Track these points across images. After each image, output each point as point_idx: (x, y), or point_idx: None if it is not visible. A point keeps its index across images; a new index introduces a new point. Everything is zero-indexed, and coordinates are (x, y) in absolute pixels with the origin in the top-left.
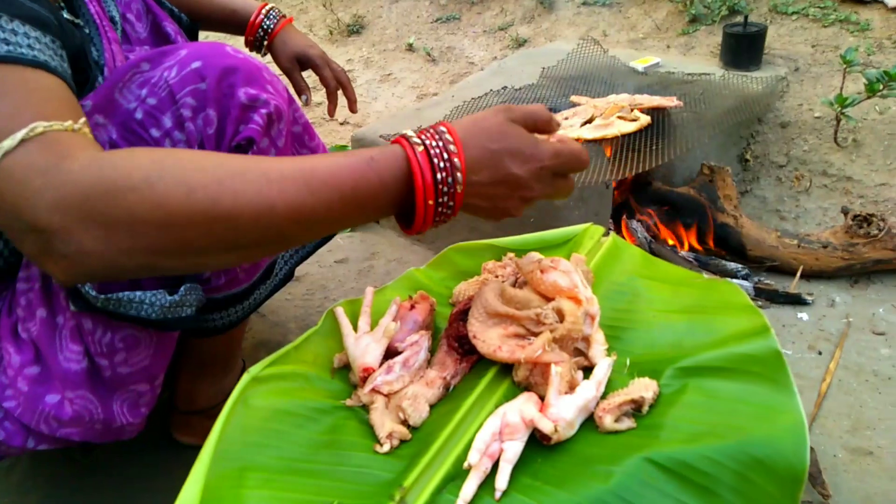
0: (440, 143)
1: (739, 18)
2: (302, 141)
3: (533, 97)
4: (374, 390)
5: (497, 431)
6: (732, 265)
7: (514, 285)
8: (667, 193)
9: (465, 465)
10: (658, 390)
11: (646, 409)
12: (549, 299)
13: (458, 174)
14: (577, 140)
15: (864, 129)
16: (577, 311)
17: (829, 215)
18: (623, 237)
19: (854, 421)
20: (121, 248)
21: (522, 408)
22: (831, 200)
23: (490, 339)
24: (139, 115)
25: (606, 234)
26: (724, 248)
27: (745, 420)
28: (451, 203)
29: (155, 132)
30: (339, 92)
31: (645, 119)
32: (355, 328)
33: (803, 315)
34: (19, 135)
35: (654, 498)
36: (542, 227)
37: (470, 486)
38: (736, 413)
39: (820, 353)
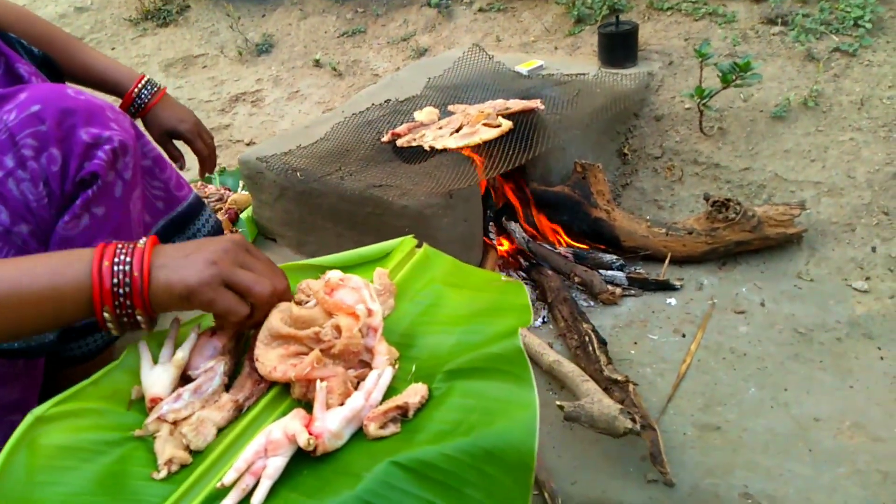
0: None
1: None
2: (153, 173)
3: (415, 108)
4: (160, 419)
5: (262, 449)
6: (609, 257)
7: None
8: (543, 193)
9: (219, 484)
10: (427, 394)
11: (411, 413)
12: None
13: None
14: (443, 149)
15: (730, 118)
16: (353, 326)
17: (700, 203)
18: (502, 238)
19: (707, 398)
20: None
21: (287, 424)
22: (702, 188)
23: (268, 360)
24: None
25: (419, 245)
26: (600, 242)
27: (483, 416)
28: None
29: None
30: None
31: (507, 124)
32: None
33: (672, 300)
34: None
35: (399, 499)
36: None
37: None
38: (477, 410)
39: (684, 336)
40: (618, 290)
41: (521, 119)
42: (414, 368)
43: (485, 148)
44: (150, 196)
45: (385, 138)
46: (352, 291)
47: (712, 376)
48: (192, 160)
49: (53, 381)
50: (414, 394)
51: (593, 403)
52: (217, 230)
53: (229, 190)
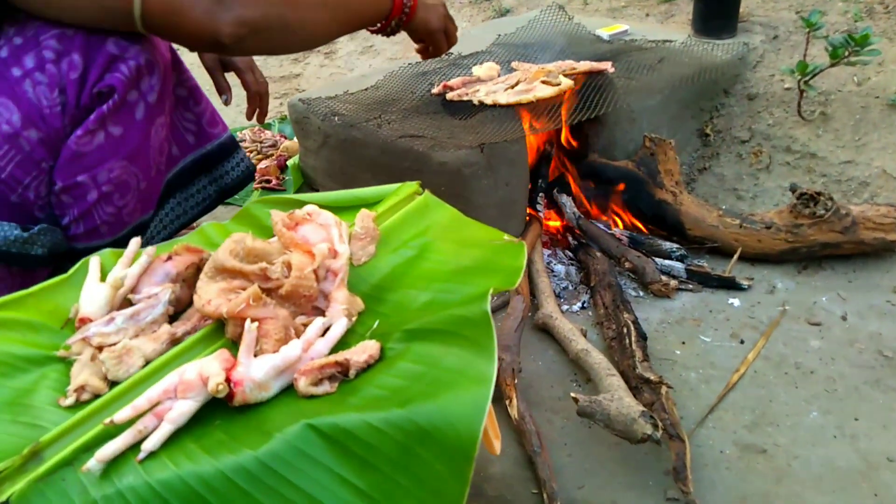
0: None
1: None
2: (187, 105)
3: (476, 63)
4: (85, 340)
5: (172, 388)
6: (668, 245)
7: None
8: (603, 167)
9: (107, 420)
10: (379, 354)
11: (353, 373)
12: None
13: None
14: (493, 104)
15: (837, 102)
16: (307, 266)
17: (787, 196)
18: (552, 213)
19: (757, 416)
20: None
21: (205, 365)
22: (792, 179)
23: (206, 292)
24: (4, 53)
25: (420, 191)
26: (661, 227)
27: (428, 387)
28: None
29: (16, 71)
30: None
31: (566, 83)
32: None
33: (735, 301)
34: None
35: (305, 468)
36: (457, 196)
37: (112, 445)
38: (424, 379)
39: (742, 342)
40: (673, 283)
41: (588, 82)
42: (376, 324)
43: (538, 106)
44: (180, 128)
45: (435, 90)
46: (318, 228)
47: (768, 391)
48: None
49: None
50: (361, 351)
51: (612, 401)
52: (248, 176)
53: (285, 138)
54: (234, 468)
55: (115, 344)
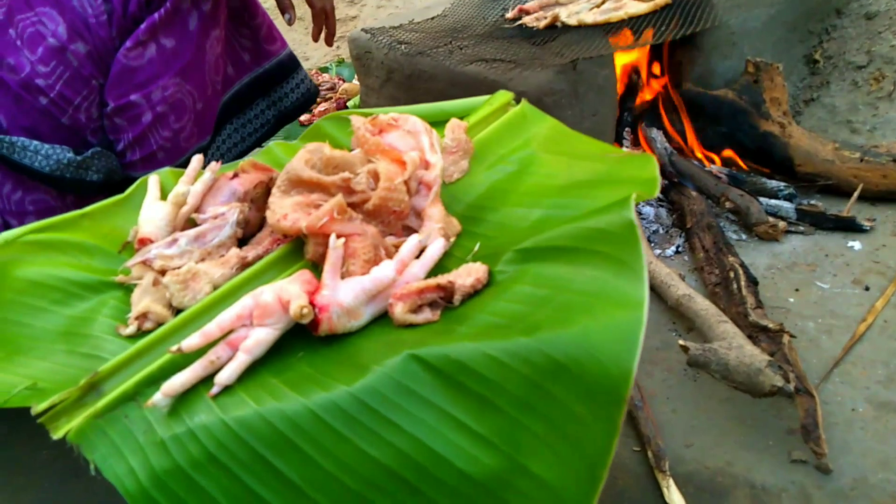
0: None
1: None
2: (242, 18)
3: None
4: (145, 263)
5: (246, 315)
6: (774, 183)
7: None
8: (699, 96)
9: (174, 348)
10: (487, 277)
11: (458, 299)
12: None
13: None
14: (578, 25)
15: None
16: (397, 176)
17: None
18: (640, 149)
19: (892, 370)
20: None
21: (284, 287)
22: None
23: (280, 207)
24: None
25: (517, 101)
26: (766, 163)
27: (558, 312)
28: None
29: None
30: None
31: None
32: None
33: (855, 244)
34: None
35: (410, 407)
36: None
37: (180, 377)
38: (551, 304)
39: (867, 289)
40: (781, 224)
41: None
42: (477, 247)
43: (630, 25)
44: (235, 45)
45: (510, 14)
46: (406, 136)
47: None
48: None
49: None
50: (466, 274)
51: (731, 349)
52: (310, 98)
53: (343, 80)
54: (326, 406)
55: (178, 268)
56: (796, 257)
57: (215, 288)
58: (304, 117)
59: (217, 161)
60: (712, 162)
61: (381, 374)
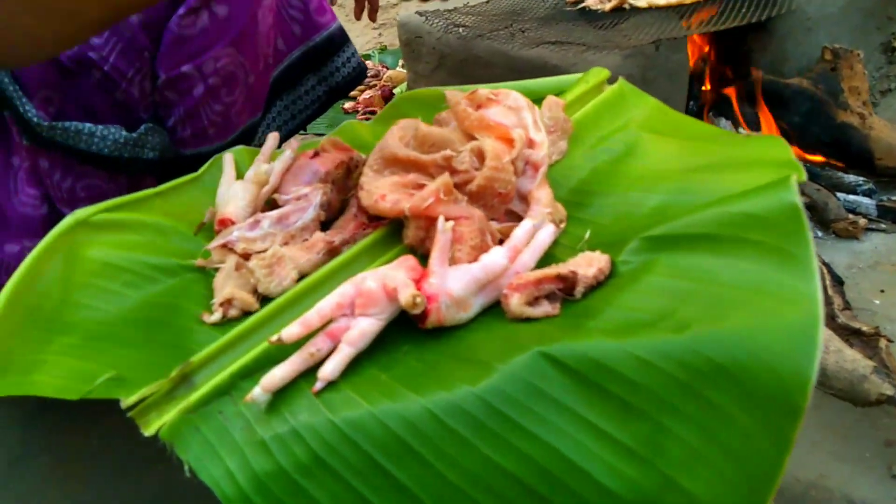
0: None
1: None
2: None
3: None
4: (227, 246)
5: (347, 303)
6: (853, 177)
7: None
8: (772, 84)
9: (274, 338)
10: (609, 267)
11: (580, 290)
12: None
13: None
14: (648, 7)
15: None
16: (505, 154)
17: None
18: None
19: None
20: None
21: (389, 274)
22: None
23: (375, 187)
24: None
25: (612, 80)
26: (843, 157)
27: (710, 308)
28: None
29: None
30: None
31: None
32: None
33: None
34: None
35: (543, 411)
36: None
37: (279, 370)
38: (698, 298)
39: None
40: (861, 221)
41: None
42: (588, 235)
43: (705, 6)
44: (285, 17)
45: None
46: (508, 111)
47: None
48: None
49: None
50: (587, 263)
51: (828, 353)
52: (360, 74)
53: (387, 68)
54: (448, 407)
55: (262, 252)
56: (879, 256)
57: (301, 274)
58: (348, 105)
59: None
60: None
61: (508, 373)
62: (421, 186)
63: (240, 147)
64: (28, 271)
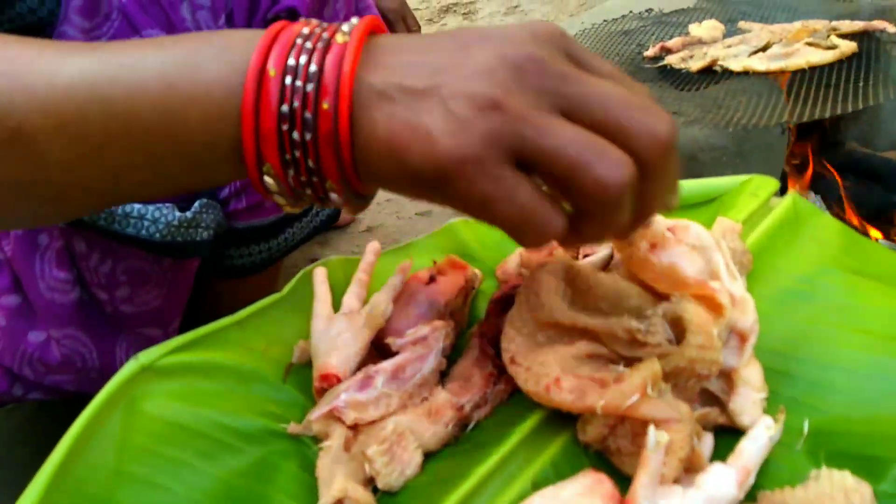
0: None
1: None
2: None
3: (688, 21)
4: (333, 414)
5: None
6: None
7: (605, 267)
8: (865, 158)
9: None
10: (871, 498)
11: None
12: (659, 296)
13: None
14: (746, 71)
15: None
16: (710, 325)
17: None
18: None
19: None
20: None
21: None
22: None
23: (542, 366)
24: None
25: (782, 192)
26: None
27: None
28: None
29: None
30: None
31: (848, 46)
32: (339, 305)
33: None
34: None
35: None
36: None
37: None
38: None
39: None
40: None
41: (863, 45)
42: (807, 427)
43: (805, 77)
44: None
45: (649, 52)
46: (692, 253)
47: None
48: None
49: (200, 293)
50: (843, 497)
51: None
52: None
53: None
54: None
55: (374, 421)
56: None
57: (426, 453)
58: None
59: (318, 213)
60: (888, 237)
61: None
62: (598, 358)
63: (335, 258)
64: (82, 432)
